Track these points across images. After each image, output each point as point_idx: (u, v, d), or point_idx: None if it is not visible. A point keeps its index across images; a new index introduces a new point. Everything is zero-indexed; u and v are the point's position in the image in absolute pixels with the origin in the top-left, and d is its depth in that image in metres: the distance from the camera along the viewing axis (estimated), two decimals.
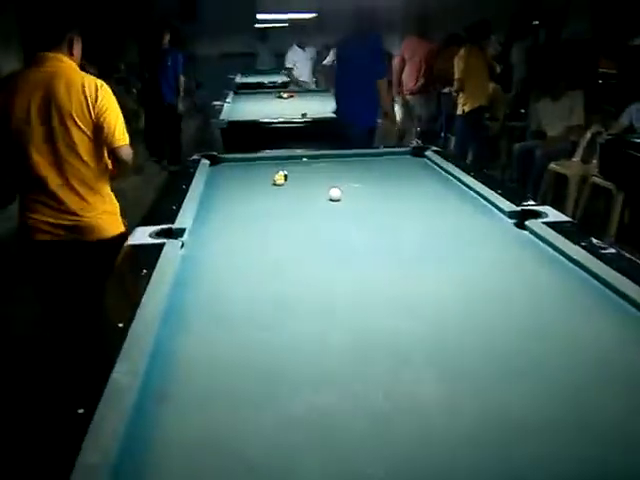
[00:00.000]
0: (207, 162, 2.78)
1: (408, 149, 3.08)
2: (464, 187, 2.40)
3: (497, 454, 0.90)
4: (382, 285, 1.52)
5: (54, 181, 2.05)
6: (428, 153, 2.95)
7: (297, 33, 9.40)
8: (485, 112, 5.01)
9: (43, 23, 2.09)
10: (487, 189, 2.24)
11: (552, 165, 4.13)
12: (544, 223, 1.88)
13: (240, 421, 0.99)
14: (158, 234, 1.77)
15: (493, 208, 2.13)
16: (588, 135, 4.08)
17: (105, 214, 2.17)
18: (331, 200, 2.25)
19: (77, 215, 2.10)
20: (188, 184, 2.35)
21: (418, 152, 3.01)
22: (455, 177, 2.51)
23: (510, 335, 1.27)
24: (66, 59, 2.05)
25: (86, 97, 2.00)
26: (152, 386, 1.05)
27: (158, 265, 1.52)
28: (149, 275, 1.46)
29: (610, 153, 3.42)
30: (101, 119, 2.02)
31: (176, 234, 1.80)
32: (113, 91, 2.13)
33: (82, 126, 2.01)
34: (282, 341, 1.24)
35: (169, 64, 5.68)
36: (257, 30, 8.97)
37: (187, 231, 1.83)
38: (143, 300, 1.32)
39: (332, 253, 1.75)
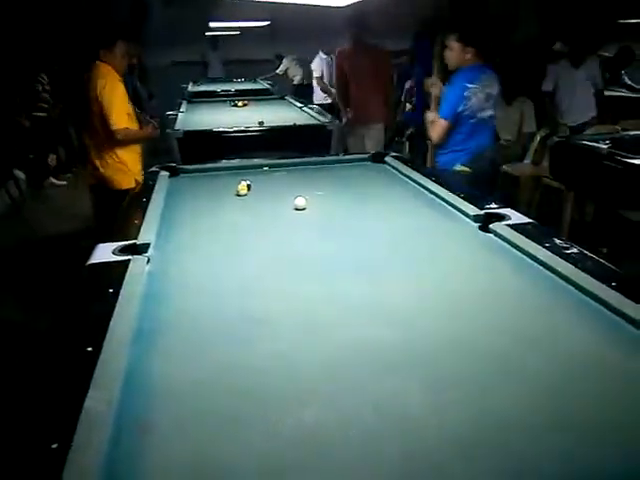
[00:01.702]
0: (166, 174, 2.71)
1: (367, 155, 3.10)
2: (427, 192, 2.43)
3: (492, 464, 0.90)
4: (356, 295, 1.51)
5: (88, 143, 3.14)
6: (387, 159, 2.97)
7: (248, 41, 9.36)
8: None
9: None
10: (450, 193, 2.28)
11: (505, 167, 4.25)
12: (507, 225, 1.92)
13: (226, 444, 0.95)
14: (122, 250, 1.70)
15: (457, 212, 2.16)
16: (538, 138, 4.22)
17: (119, 172, 3.03)
18: (296, 209, 2.23)
19: (98, 169, 3.10)
20: (149, 197, 2.28)
21: (377, 158, 3.03)
22: (417, 182, 2.54)
23: (489, 338, 1.29)
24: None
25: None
26: (129, 414, 1.00)
27: (125, 283, 1.46)
28: (116, 294, 1.40)
29: (559, 154, 3.54)
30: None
31: (140, 250, 1.74)
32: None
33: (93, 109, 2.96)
34: (262, 358, 1.21)
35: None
36: (208, 38, 8.86)
37: (152, 246, 1.78)
38: (112, 321, 1.26)
39: (303, 265, 1.73)
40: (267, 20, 6.25)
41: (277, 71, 9.03)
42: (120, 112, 2.85)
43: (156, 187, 2.44)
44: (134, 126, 3.02)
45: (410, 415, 1.02)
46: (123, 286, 1.45)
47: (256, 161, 3.00)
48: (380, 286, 1.56)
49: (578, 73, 4.52)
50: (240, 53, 9.58)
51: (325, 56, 6.95)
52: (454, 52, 3.11)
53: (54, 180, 5.39)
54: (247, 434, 0.97)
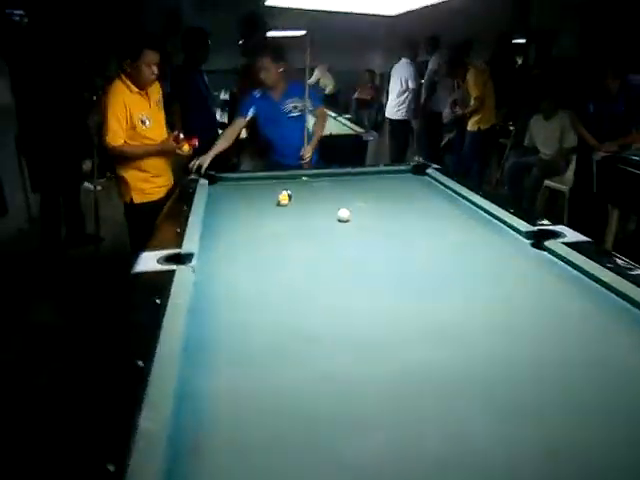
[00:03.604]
0: (205, 182, 2.69)
1: (408, 167, 3.03)
2: (474, 206, 2.36)
3: None
4: (410, 312, 1.45)
5: None
6: (430, 171, 2.90)
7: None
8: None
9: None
10: (499, 209, 2.20)
11: (548, 182, 4.14)
12: (564, 243, 1.83)
13: (284, 473, 0.89)
14: (166, 260, 1.67)
15: (507, 228, 2.08)
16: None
17: (120, 184, 2.92)
18: (340, 221, 2.18)
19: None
20: (189, 205, 2.25)
21: (419, 170, 2.97)
22: (463, 196, 2.46)
23: (556, 364, 1.20)
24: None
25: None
26: (183, 435, 0.95)
27: (172, 294, 1.42)
28: (163, 305, 1.36)
29: (605, 171, 3.42)
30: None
31: (184, 259, 1.70)
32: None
33: None
34: (316, 378, 1.15)
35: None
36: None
37: (195, 256, 1.74)
38: (161, 335, 1.22)
39: (351, 278, 1.67)
40: (303, 29, 6.22)
41: (309, 81, 9.03)
42: (116, 128, 2.68)
43: (196, 195, 2.41)
44: (146, 143, 2.81)
45: (479, 445, 0.94)
46: (170, 297, 1.40)
47: (295, 171, 2.96)
48: (435, 305, 1.49)
49: None
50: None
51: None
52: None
53: (89, 185, 5.43)
54: (306, 462, 0.91)
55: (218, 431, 0.99)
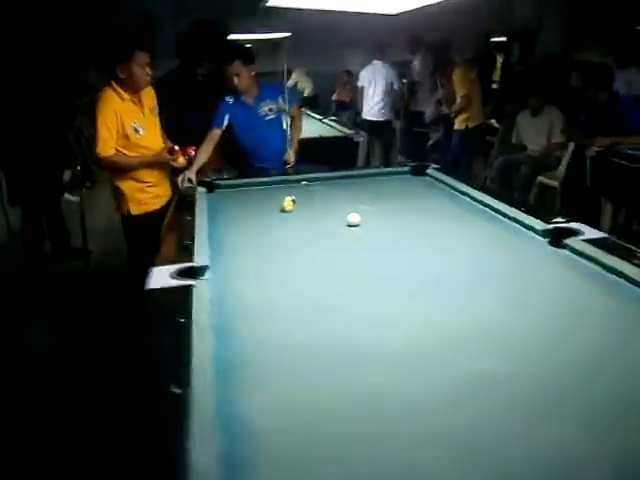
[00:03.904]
0: (203, 190, 2.60)
1: (407, 168, 2.99)
2: (481, 205, 2.32)
3: None
4: (448, 319, 1.38)
5: None
6: (430, 171, 2.86)
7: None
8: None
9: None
10: (510, 207, 2.16)
11: (540, 178, 4.15)
12: (584, 241, 1.80)
13: None
14: (180, 274, 1.58)
15: (518, 226, 2.04)
16: (571, 147, 4.12)
17: (116, 195, 2.79)
18: (349, 225, 2.12)
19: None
20: (192, 215, 2.16)
21: (418, 170, 2.92)
22: (469, 195, 2.42)
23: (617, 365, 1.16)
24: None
25: None
26: (235, 468, 0.87)
27: (195, 312, 1.34)
28: (188, 325, 1.28)
29: (599, 164, 3.43)
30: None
31: (198, 273, 1.61)
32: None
33: None
34: (367, 395, 1.08)
35: None
36: None
37: (209, 269, 1.65)
38: (193, 357, 1.14)
39: (376, 285, 1.60)
40: (281, 32, 6.15)
41: (287, 84, 8.96)
42: (106, 138, 2.56)
43: (197, 204, 2.32)
44: (140, 152, 2.70)
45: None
46: (193, 315, 1.32)
47: (293, 176, 2.89)
48: (472, 310, 1.44)
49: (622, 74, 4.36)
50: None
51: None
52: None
53: (69, 196, 5.27)
54: None
55: (273, 458, 0.92)
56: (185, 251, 1.75)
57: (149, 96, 2.77)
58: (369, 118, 5.95)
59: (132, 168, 2.69)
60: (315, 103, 8.31)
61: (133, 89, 2.65)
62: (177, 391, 1.03)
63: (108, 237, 4.41)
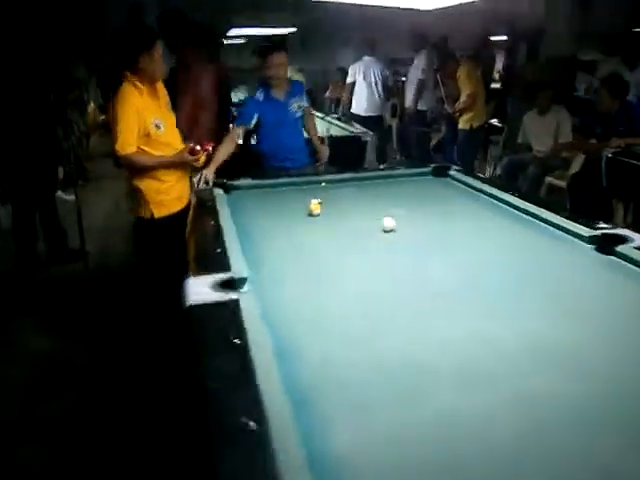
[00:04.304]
0: (221, 191, 2.47)
1: (427, 169, 2.89)
2: (512, 209, 2.24)
3: None
4: (509, 333, 1.30)
5: None
6: (453, 173, 2.78)
7: (247, 49, 9.16)
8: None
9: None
10: (551, 213, 2.08)
11: (549, 178, 4.10)
12: (637, 248, 1.73)
13: None
14: (221, 286, 1.46)
15: (564, 233, 1.97)
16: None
17: (133, 197, 2.63)
18: (384, 231, 2.02)
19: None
20: (216, 220, 2.04)
21: (439, 171, 2.84)
22: (499, 199, 2.34)
23: None
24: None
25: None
26: None
27: (249, 332, 1.22)
28: (245, 347, 1.16)
29: (615, 166, 3.39)
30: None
31: (238, 284, 1.50)
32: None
33: None
34: (435, 417, 1.00)
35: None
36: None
37: (249, 280, 1.54)
38: (261, 386, 1.03)
39: (428, 296, 1.51)
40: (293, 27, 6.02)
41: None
42: (126, 135, 2.41)
43: (219, 209, 2.19)
44: (163, 149, 2.55)
45: None
46: (249, 335, 1.21)
47: (312, 177, 2.78)
48: (529, 322, 1.36)
49: (632, 75, 4.33)
50: (239, 61, 9.35)
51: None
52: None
53: (63, 195, 5.07)
54: None
55: None
56: (216, 260, 1.63)
57: (163, 91, 2.64)
58: (359, 113, 5.90)
59: (153, 168, 2.55)
60: (312, 101, 8.17)
61: (151, 80, 2.53)
62: (252, 425, 0.92)
63: (106, 237, 4.26)
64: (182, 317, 1.38)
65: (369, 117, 5.80)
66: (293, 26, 6.04)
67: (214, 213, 2.13)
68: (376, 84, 5.83)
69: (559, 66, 4.64)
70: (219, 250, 1.73)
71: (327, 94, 8.78)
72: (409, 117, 5.80)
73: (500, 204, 2.33)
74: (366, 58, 5.87)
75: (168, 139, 2.59)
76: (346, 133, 4.24)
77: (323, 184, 2.70)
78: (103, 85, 7.29)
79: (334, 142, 3.90)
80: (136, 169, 2.54)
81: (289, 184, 2.70)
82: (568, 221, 1.99)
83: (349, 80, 6.01)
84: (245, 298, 1.40)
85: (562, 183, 4.07)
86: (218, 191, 2.47)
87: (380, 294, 1.53)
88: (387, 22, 6.71)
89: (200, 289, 1.44)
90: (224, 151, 2.83)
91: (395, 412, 1.04)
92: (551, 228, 2.03)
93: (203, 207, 2.26)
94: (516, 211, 2.23)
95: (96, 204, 5.02)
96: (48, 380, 2.60)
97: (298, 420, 0.97)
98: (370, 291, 1.55)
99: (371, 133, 4.17)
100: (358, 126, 4.53)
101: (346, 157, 3.85)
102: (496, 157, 4.98)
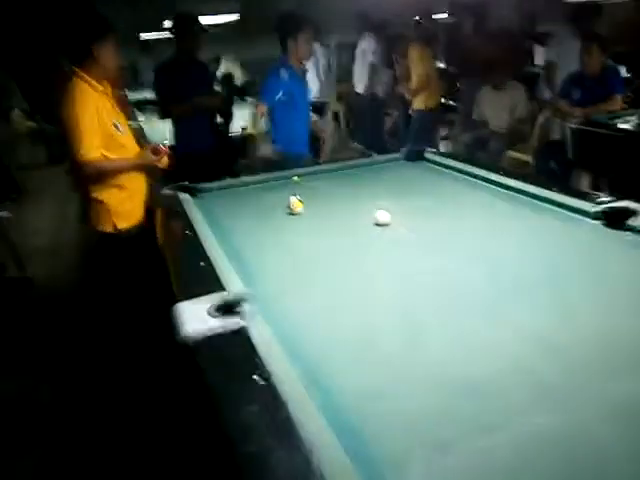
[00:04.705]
0: (187, 196, 2.22)
1: (399, 154, 2.74)
2: (502, 189, 2.13)
3: None
4: (548, 329, 1.17)
5: None
6: (430, 156, 2.64)
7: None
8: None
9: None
10: (545, 190, 1.98)
11: (511, 152, 4.06)
12: None
13: None
14: (220, 311, 1.25)
15: (565, 211, 1.86)
16: (541, 120, 4.05)
17: (93, 208, 2.32)
18: (377, 224, 1.85)
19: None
20: (191, 229, 1.81)
21: (413, 156, 2.69)
22: (488, 180, 2.23)
23: None
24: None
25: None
26: None
27: (271, 366, 1.03)
28: (272, 387, 0.97)
29: (582, 137, 3.35)
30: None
31: (235, 305, 1.29)
32: None
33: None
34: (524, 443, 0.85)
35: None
36: (140, 42, 8.13)
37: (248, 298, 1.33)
38: (305, 436, 0.84)
39: (456, 297, 1.35)
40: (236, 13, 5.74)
41: (217, 73, 8.49)
42: (91, 138, 2.14)
43: (190, 215, 1.96)
44: (122, 152, 2.29)
45: None
46: (273, 372, 1.01)
47: (281, 172, 2.57)
48: (561, 311, 1.25)
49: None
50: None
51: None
52: None
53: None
54: None
55: None
56: (205, 277, 1.41)
57: (110, 88, 2.35)
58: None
59: (120, 172, 2.28)
60: (250, 92, 7.89)
61: (104, 75, 2.27)
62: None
63: (52, 257, 3.84)
64: (178, 351, 1.17)
65: (318, 103, 5.67)
66: (237, 13, 5.74)
67: (187, 221, 1.89)
68: (321, 70, 5.74)
69: (510, 39, 4.59)
70: (204, 264, 1.52)
71: None
72: (364, 102, 5.65)
73: (490, 185, 2.21)
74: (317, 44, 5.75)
75: (126, 141, 2.34)
76: None
77: (295, 179, 2.50)
78: (27, 88, 6.75)
79: None
80: (97, 177, 2.25)
81: (258, 182, 2.49)
82: (570, 198, 1.89)
83: None
84: (255, 322, 1.20)
85: (526, 157, 4.04)
86: (183, 195, 2.22)
87: (405, 301, 1.36)
88: (326, 5, 6.54)
89: (197, 316, 1.22)
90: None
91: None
92: (558, 208, 1.90)
93: (173, 215, 2.01)
94: (510, 192, 2.12)
95: (36, 220, 4.58)
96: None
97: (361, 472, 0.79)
98: (392, 298, 1.38)
99: (329, 120, 3.99)
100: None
101: None
102: (455, 135, 4.91)
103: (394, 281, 1.47)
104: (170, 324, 1.23)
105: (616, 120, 3.30)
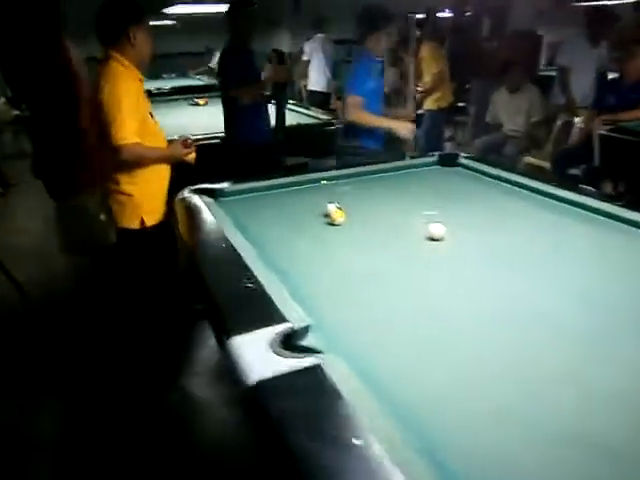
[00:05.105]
0: (211, 200, 2.02)
1: (433, 158, 2.57)
2: (550, 199, 1.99)
3: None
4: None
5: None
6: (464, 161, 2.48)
7: (176, 34, 8.49)
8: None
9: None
10: (598, 202, 1.84)
11: (528, 159, 3.93)
12: None
13: None
14: (285, 345, 1.06)
15: (622, 224, 1.73)
16: (559, 124, 3.93)
17: (118, 202, 2.19)
18: (432, 239, 1.68)
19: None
20: (227, 242, 1.59)
21: (446, 161, 2.53)
22: (532, 189, 2.08)
23: None
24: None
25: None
26: None
27: (368, 422, 0.84)
28: (372, 451, 0.79)
29: (612, 144, 3.21)
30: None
31: (299, 337, 1.11)
32: None
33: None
34: None
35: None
36: None
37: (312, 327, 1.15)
38: None
39: (557, 335, 1.18)
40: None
41: (210, 65, 8.23)
42: (130, 123, 2.01)
43: (218, 221, 1.76)
44: (153, 142, 2.16)
45: None
46: (366, 426, 0.83)
47: (309, 175, 2.37)
48: None
49: (593, 52, 4.17)
50: (167, 47, 8.62)
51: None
52: None
53: None
54: None
55: None
56: (258, 304, 1.22)
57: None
58: (316, 89, 6.02)
59: (154, 162, 2.16)
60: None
61: (139, 60, 2.15)
62: None
63: (45, 258, 3.50)
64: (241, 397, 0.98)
65: (322, 93, 5.93)
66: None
67: (216, 229, 1.69)
68: (324, 62, 5.98)
69: (526, 42, 4.46)
70: (250, 284, 1.32)
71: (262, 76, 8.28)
72: None
73: (537, 195, 2.06)
74: (318, 36, 5.96)
75: (156, 129, 2.23)
76: (314, 121, 3.85)
77: (323, 182, 2.31)
78: (11, 76, 6.42)
79: (303, 131, 3.55)
80: (127, 169, 2.12)
81: (285, 185, 2.29)
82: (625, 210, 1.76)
83: (304, 57, 6.13)
84: (329, 359, 1.02)
85: (544, 163, 3.90)
86: (207, 200, 2.02)
87: (484, 328, 1.20)
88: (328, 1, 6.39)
89: (256, 353, 1.03)
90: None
91: None
92: (611, 220, 1.77)
93: (196, 220, 1.81)
94: (556, 201, 1.98)
95: (24, 217, 4.29)
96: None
97: None
98: (473, 325, 1.21)
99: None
100: (320, 111, 4.16)
101: (317, 147, 3.47)
102: (466, 139, 4.76)
103: (471, 306, 1.30)
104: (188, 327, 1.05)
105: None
